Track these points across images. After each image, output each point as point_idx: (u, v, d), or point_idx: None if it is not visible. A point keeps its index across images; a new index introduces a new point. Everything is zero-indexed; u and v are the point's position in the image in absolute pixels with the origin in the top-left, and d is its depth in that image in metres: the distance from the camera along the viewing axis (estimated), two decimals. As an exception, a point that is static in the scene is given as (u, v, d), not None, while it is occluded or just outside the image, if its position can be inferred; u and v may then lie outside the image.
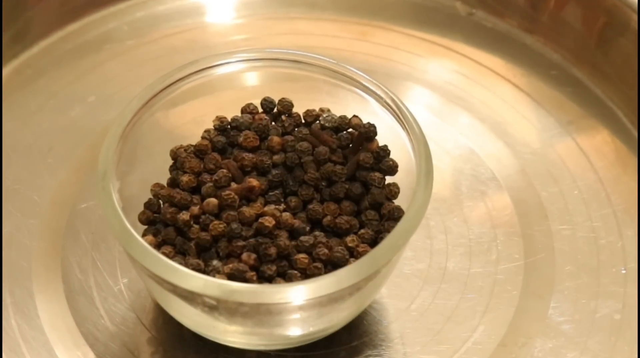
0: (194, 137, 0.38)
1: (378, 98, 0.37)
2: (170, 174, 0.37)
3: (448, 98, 0.47)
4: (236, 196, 0.35)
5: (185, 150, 0.37)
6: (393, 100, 0.37)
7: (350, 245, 0.35)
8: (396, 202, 0.37)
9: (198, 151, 0.37)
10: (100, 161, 0.34)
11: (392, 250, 0.32)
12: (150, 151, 0.37)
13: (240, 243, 0.34)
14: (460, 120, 0.46)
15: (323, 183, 0.37)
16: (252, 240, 0.34)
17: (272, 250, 0.33)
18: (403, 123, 0.36)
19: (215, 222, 0.34)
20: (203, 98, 0.39)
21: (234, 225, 0.34)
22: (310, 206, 0.36)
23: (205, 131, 0.38)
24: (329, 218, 0.35)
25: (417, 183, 0.34)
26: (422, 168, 0.34)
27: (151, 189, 0.37)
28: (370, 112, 0.38)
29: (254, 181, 0.36)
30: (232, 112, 0.39)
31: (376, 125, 0.37)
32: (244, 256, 0.34)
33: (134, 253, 0.32)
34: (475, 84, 0.48)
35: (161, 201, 0.36)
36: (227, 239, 0.34)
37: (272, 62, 0.39)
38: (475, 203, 0.42)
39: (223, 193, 0.35)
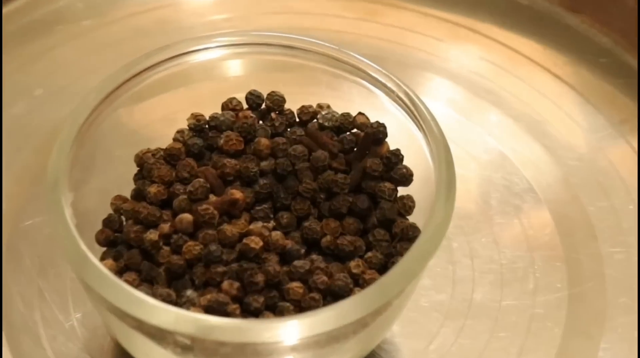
0: (164, 139, 0.38)
1: (389, 92, 0.37)
2: (135, 184, 0.37)
3: (474, 92, 0.47)
4: (215, 212, 0.35)
5: (153, 155, 0.37)
6: (407, 94, 0.37)
7: (354, 271, 0.35)
8: (411, 218, 0.37)
9: (169, 156, 0.37)
10: (50, 168, 0.34)
11: (406, 278, 0.32)
12: (111, 156, 0.37)
13: (220, 268, 0.34)
14: (489, 118, 0.46)
15: (321, 196, 0.36)
16: (234, 265, 0.34)
17: (259, 278, 0.33)
18: (419, 122, 0.36)
19: (190, 243, 0.34)
20: (175, 91, 0.39)
21: (213, 247, 0.34)
22: (306, 224, 0.36)
23: (177, 132, 0.38)
24: (328, 238, 0.35)
25: (437, 196, 0.34)
26: (443, 177, 0.34)
27: (111, 203, 0.37)
28: (379, 108, 0.38)
29: (237, 193, 0.35)
30: (210, 108, 0.39)
31: (386, 125, 0.37)
32: (225, 284, 0.33)
33: (90, 280, 0.32)
34: (508, 75, 0.48)
35: (124, 218, 0.36)
36: (204, 264, 0.34)
37: (260, 48, 0.39)
38: (508, 219, 0.42)
39: (199, 208, 0.35)
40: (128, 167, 0.37)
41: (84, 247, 0.32)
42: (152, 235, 0.34)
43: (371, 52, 0.40)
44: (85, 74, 0.45)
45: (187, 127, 0.38)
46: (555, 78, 0.47)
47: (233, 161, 0.36)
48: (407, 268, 0.32)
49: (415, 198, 0.36)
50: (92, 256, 0.32)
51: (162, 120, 0.39)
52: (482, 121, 0.45)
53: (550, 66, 0.47)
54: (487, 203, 0.42)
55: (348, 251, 0.35)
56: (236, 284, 0.33)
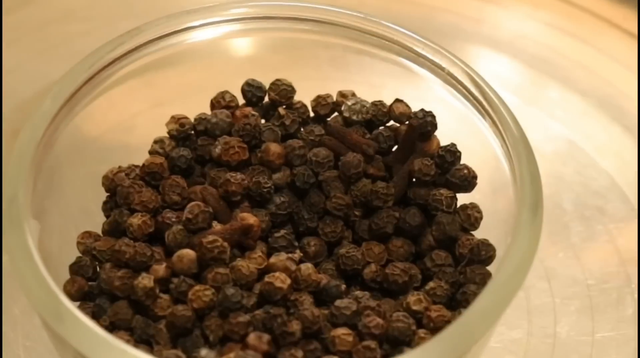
0: (137, 152, 0.36)
1: (436, 70, 0.35)
2: (106, 215, 0.36)
3: (527, 62, 0.45)
4: (225, 244, 0.33)
5: (127, 175, 0.36)
6: (465, 71, 0.35)
7: (415, 307, 0.33)
8: (477, 234, 0.35)
9: (148, 175, 0.35)
10: (6, 201, 0.31)
11: (493, 313, 0.30)
12: (71, 179, 0.35)
13: (242, 318, 0.32)
14: (548, 96, 0.44)
15: (357, 212, 0.35)
16: (259, 312, 0.32)
17: (295, 326, 0.31)
18: (482, 107, 0.34)
19: (197, 288, 0.32)
20: (143, 86, 0.36)
21: (230, 290, 0.32)
22: (341, 251, 0.34)
23: (155, 142, 0.36)
24: (372, 267, 0.34)
25: (520, 197, 0.31)
26: (526, 175, 0.32)
27: (78, 242, 0.35)
28: (421, 93, 0.36)
29: (249, 217, 0.33)
30: (195, 107, 0.36)
31: (435, 114, 0.35)
32: (252, 338, 0.31)
33: (69, 335, 0.29)
34: (575, 40, 0.45)
35: (96, 261, 0.34)
36: (218, 313, 0.32)
37: (259, 23, 0.36)
38: (590, 226, 0.40)
39: (204, 240, 0.33)
40: (91, 192, 0.35)
41: (65, 300, 0.29)
42: (146, 281, 0.32)
43: (404, 21, 0.37)
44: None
45: (166, 136, 0.36)
46: (628, 36, 0.45)
47: (239, 176, 0.34)
48: (495, 300, 0.30)
49: (480, 206, 0.35)
50: (78, 311, 0.29)
51: (129, 126, 0.37)
52: (540, 100, 0.43)
53: (631, 26, 0.45)
54: (559, 206, 0.40)
55: (401, 282, 0.33)
56: (266, 337, 0.31)
